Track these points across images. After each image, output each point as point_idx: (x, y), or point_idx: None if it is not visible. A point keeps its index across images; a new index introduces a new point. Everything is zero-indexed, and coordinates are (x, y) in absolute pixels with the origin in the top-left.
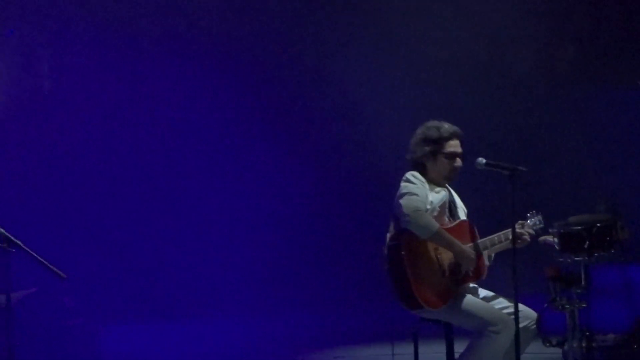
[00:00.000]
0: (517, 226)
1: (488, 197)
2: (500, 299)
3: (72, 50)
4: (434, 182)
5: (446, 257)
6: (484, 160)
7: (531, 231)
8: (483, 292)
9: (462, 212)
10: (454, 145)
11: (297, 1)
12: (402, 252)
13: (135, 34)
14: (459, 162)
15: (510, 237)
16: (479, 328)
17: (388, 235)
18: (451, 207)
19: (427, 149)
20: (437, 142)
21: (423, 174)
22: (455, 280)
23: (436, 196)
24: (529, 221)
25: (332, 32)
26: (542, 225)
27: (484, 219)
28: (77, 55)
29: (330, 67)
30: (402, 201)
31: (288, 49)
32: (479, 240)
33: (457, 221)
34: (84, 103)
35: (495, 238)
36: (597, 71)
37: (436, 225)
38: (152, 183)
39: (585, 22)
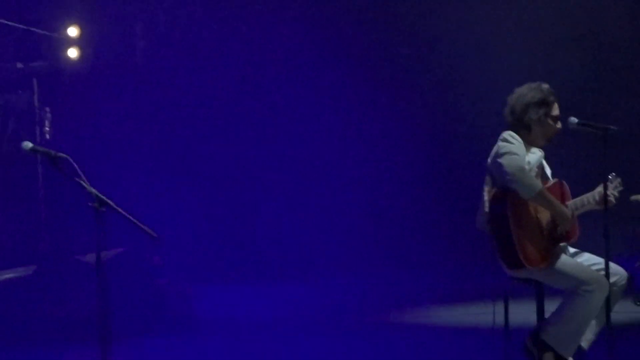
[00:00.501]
0: (601, 188)
1: (568, 158)
2: (588, 256)
3: (166, 14)
4: (531, 143)
5: (544, 217)
6: (576, 120)
7: (616, 193)
8: (570, 250)
9: (549, 172)
10: (557, 108)
11: None
12: (507, 212)
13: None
14: (560, 124)
15: (597, 198)
16: (573, 287)
17: (486, 193)
18: (542, 167)
19: (540, 111)
20: (547, 105)
21: (523, 135)
22: (552, 240)
23: (533, 157)
24: (611, 184)
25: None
26: (621, 188)
27: (567, 180)
28: (171, 19)
29: (436, 33)
30: (503, 160)
31: (398, 25)
32: (571, 201)
33: (553, 181)
34: (179, 66)
35: (585, 199)
36: None
37: (539, 184)
38: (247, 141)
39: None
